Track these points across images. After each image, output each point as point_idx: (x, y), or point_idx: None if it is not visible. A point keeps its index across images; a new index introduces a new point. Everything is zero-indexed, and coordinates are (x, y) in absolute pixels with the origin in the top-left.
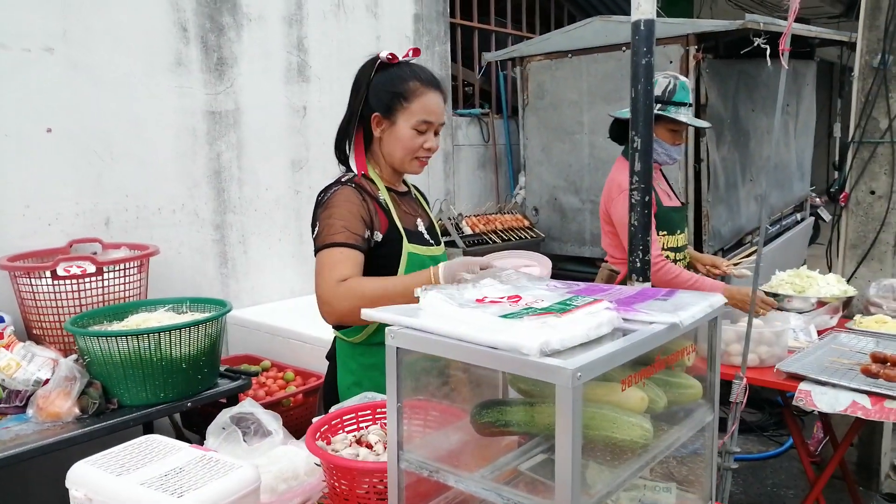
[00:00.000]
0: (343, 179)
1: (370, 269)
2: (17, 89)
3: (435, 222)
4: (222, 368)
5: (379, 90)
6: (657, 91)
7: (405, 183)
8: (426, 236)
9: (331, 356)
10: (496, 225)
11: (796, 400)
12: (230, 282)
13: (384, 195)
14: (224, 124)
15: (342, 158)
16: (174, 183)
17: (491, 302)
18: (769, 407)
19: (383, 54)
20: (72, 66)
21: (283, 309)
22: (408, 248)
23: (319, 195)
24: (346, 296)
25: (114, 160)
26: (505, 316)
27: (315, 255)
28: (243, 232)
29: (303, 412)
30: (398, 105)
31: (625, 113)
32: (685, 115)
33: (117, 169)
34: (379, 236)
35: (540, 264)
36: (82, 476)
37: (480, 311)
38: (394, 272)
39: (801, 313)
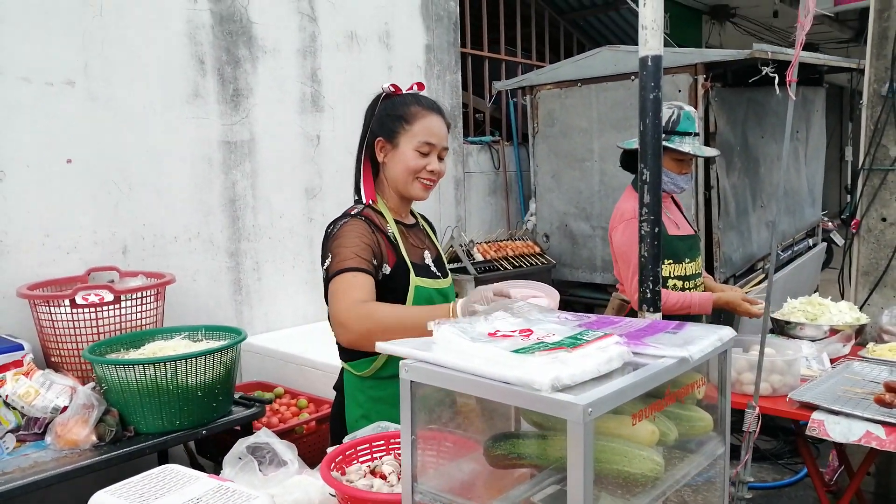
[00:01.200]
0: (352, 213)
1: (379, 301)
2: (39, 121)
3: (442, 253)
4: (236, 395)
5: (382, 117)
6: None
7: (413, 214)
8: (433, 269)
9: (338, 387)
10: (507, 251)
11: (809, 430)
12: (244, 308)
13: (392, 228)
14: (239, 154)
15: (357, 189)
16: (190, 211)
17: (503, 336)
18: (783, 434)
19: (385, 86)
20: (92, 99)
21: (296, 335)
22: (415, 281)
23: (329, 227)
24: (363, 318)
25: (131, 189)
26: (517, 350)
27: (327, 282)
28: (257, 259)
29: (316, 439)
30: (400, 128)
31: (631, 143)
32: (689, 145)
33: (134, 198)
34: (387, 269)
35: (547, 295)
36: None
37: (492, 345)
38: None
39: (813, 341)
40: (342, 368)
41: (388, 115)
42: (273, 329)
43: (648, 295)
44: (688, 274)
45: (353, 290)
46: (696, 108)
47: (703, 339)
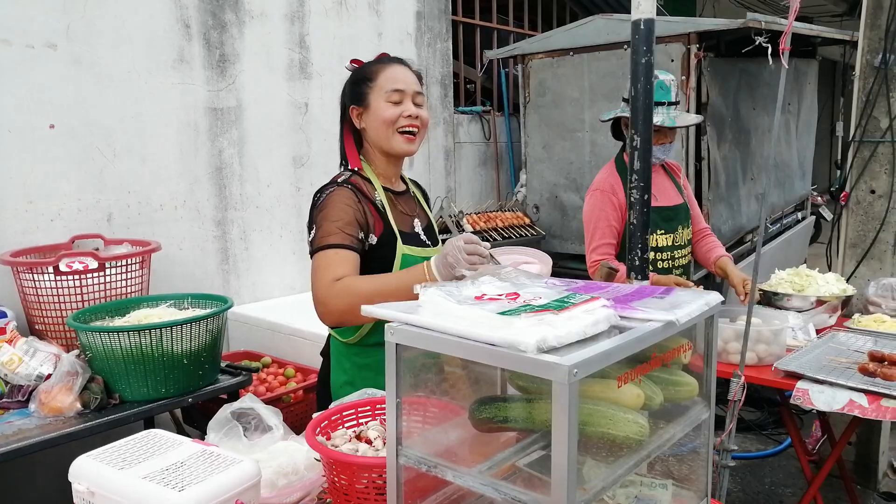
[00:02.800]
0: (339, 180)
1: (365, 271)
2: (20, 85)
3: (434, 221)
4: (223, 364)
5: (348, 88)
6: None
7: (404, 180)
8: (422, 237)
9: (325, 353)
10: (497, 223)
11: (794, 398)
12: (231, 278)
13: (380, 195)
14: (226, 121)
15: (343, 159)
16: (176, 179)
17: (489, 299)
18: (768, 405)
19: (347, 65)
20: (74, 63)
21: (284, 305)
22: (402, 249)
23: (315, 195)
24: (341, 294)
25: (116, 156)
26: (503, 313)
27: (311, 257)
28: (244, 228)
29: (303, 408)
30: (366, 88)
31: (610, 114)
32: (660, 115)
33: (119, 165)
34: (374, 239)
35: (540, 261)
36: (85, 470)
37: (479, 308)
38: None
39: (799, 312)
40: (329, 334)
41: (353, 83)
42: (260, 299)
43: (636, 262)
44: (660, 245)
45: (333, 267)
46: (687, 78)
47: (690, 304)
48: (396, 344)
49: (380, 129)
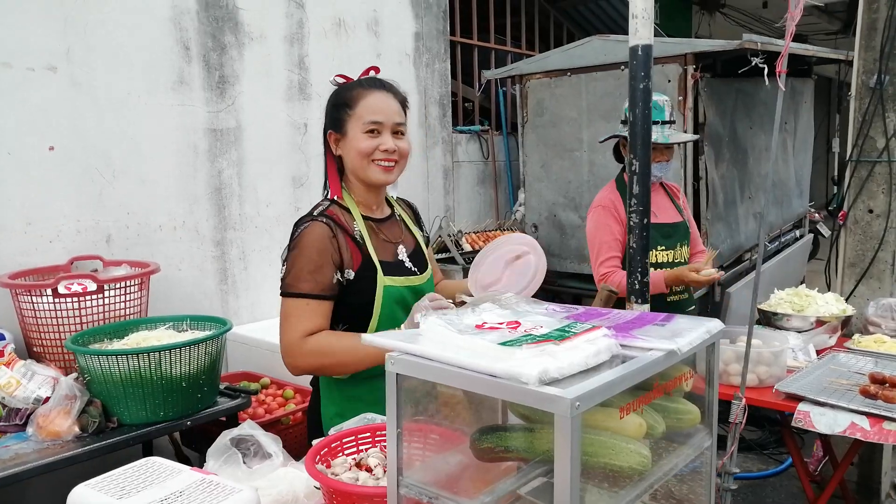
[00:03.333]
0: (315, 213)
1: (344, 305)
2: (20, 107)
3: (422, 243)
4: (222, 386)
5: (329, 109)
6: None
7: (389, 202)
8: (407, 264)
9: (315, 383)
10: None
11: (795, 421)
12: (230, 298)
13: (359, 224)
14: (225, 142)
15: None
16: (175, 200)
17: (490, 328)
18: (769, 425)
19: (333, 79)
20: (74, 85)
21: None
22: (383, 281)
23: (293, 229)
24: (312, 353)
25: (115, 177)
26: (504, 343)
27: (281, 296)
28: (243, 248)
29: (302, 430)
30: (344, 115)
31: (607, 135)
32: (655, 133)
33: (118, 186)
34: (351, 273)
35: (532, 250)
36: (83, 500)
37: (480, 337)
38: (370, 306)
39: (799, 332)
40: None
41: (333, 106)
42: (259, 319)
43: (636, 286)
44: (659, 261)
45: (303, 320)
46: (684, 98)
47: (692, 332)
48: (397, 374)
49: (355, 159)
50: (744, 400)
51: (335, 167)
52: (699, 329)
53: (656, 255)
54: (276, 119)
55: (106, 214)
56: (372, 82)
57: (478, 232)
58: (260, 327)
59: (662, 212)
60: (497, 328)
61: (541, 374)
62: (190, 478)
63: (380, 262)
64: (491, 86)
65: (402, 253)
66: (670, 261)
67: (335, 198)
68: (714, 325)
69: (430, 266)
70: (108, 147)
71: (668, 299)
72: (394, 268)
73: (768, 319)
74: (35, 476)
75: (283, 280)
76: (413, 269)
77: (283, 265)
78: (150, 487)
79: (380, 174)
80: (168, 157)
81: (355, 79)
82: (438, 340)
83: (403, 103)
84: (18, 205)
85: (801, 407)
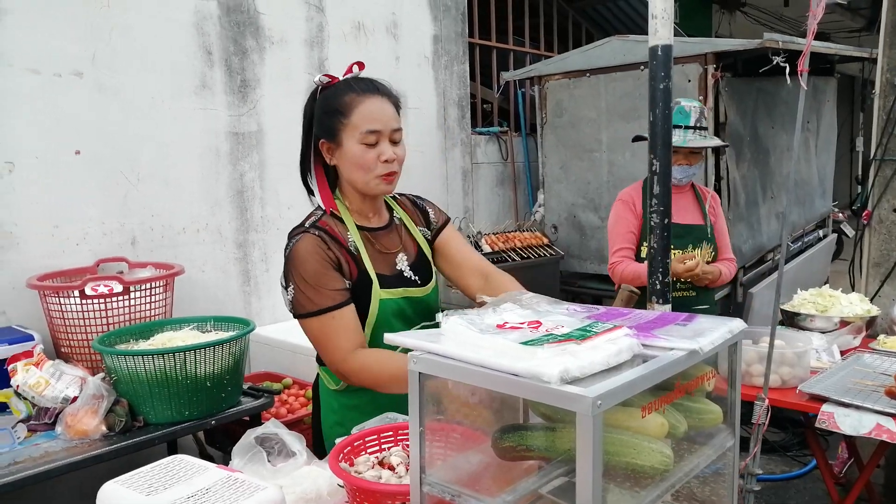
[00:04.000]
0: (307, 224)
1: None
2: (47, 113)
3: (427, 251)
4: (245, 386)
5: (319, 116)
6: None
7: (389, 205)
8: (406, 274)
9: (315, 391)
10: (515, 243)
11: (819, 422)
12: (252, 299)
13: (354, 236)
14: (247, 145)
15: (309, 191)
16: (198, 203)
17: (511, 328)
18: (792, 426)
19: (317, 78)
20: (100, 90)
21: None
22: (378, 294)
23: (287, 240)
24: (362, 372)
25: (140, 181)
26: (525, 343)
27: (298, 318)
28: (265, 250)
29: None
30: (338, 123)
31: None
32: (677, 136)
33: (143, 189)
34: (349, 284)
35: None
36: (112, 496)
37: (501, 337)
38: (364, 318)
39: (823, 333)
40: (317, 374)
41: (324, 113)
42: (281, 320)
43: (657, 286)
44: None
45: (338, 336)
46: (705, 98)
47: (713, 332)
48: (419, 372)
49: (354, 172)
50: (767, 401)
51: (325, 177)
52: (721, 329)
53: (672, 255)
54: (297, 122)
55: (131, 217)
56: (365, 86)
57: (497, 233)
58: (282, 328)
59: (681, 213)
60: (518, 328)
61: (562, 373)
62: (216, 475)
63: (377, 274)
64: (510, 87)
65: (403, 262)
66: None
67: (329, 211)
68: (736, 324)
69: (433, 276)
70: (133, 151)
71: (673, 294)
72: (392, 280)
73: (791, 320)
74: (64, 474)
75: (293, 302)
76: (414, 279)
77: (289, 286)
78: (177, 484)
79: (381, 185)
80: (191, 161)
81: (341, 77)
82: (460, 340)
83: (397, 105)
84: (45, 208)
85: (826, 408)
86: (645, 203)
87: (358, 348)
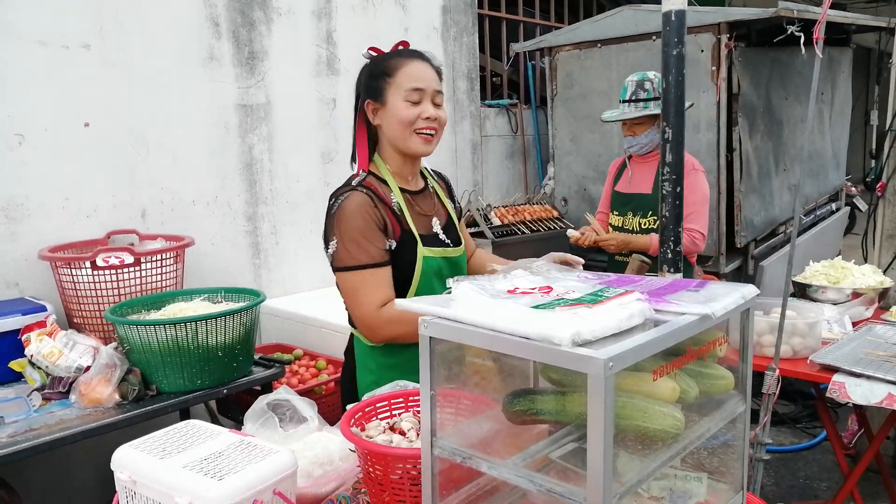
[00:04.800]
0: (354, 182)
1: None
2: (55, 85)
3: (455, 217)
4: (256, 357)
5: (366, 80)
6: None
7: (423, 175)
8: (441, 237)
9: (349, 352)
10: (525, 216)
11: (830, 392)
12: (262, 272)
13: (397, 196)
14: (255, 117)
15: (351, 158)
16: (207, 175)
17: (522, 293)
18: (802, 399)
19: (365, 52)
20: (107, 63)
21: (315, 299)
22: (423, 252)
23: (331, 200)
24: (393, 322)
25: (149, 153)
26: (537, 307)
27: (336, 271)
28: (275, 223)
29: (335, 399)
30: (383, 83)
31: (611, 115)
32: (615, 113)
33: (152, 162)
34: (392, 244)
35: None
36: (127, 459)
37: (512, 301)
38: (409, 277)
39: (835, 304)
40: (351, 334)
41: (370, 76)
42: (291, 293)
43: (669, 255)
44: (621, 226)
45: (373, 290)
46: (718, 68)
47: (726, 297)
48: (430, 337)
49: (396, 129)
50: (777, 371)
51: (366, 138)
52: (734, 294)
53: (621, 220)
54: (305, 94)
55: (141, 190)
56: (409, 52)
57: (507, 206)
58: (292, 300)
59: (635, 182)
60: (529, 293)
61: (574, 336)
62: (229, 439)
63: (418, 234)
64: (519, 59)
65: (437, 225)
66: (619, 226)
67: (370, 171)
68: (749, 290)
69: (462, 239)
70: (142, 123)
71: (616, 258)
72: (430, 240)
73: (803, 292)
74: (78, 441)
75: (335, 255)
76: (447, 241)
77: (331, 241)
78: (190, 448)
79: (420, 145)
80: (200, 133)
81: (387, 51)
82: (471, 304)
83: (439, 73)
84: (56, 181)
85: (837, 378)
86: (617, 176)
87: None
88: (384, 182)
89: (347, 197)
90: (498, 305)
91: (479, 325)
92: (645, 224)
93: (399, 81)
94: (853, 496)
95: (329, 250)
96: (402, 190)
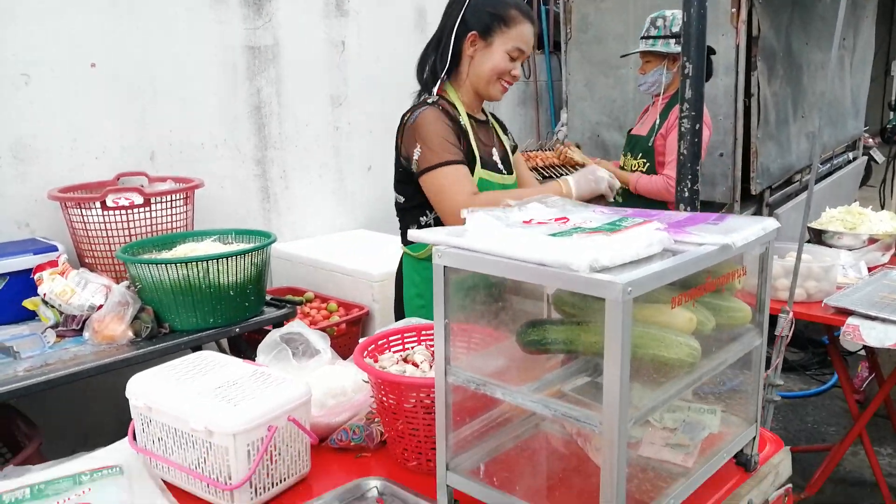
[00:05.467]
0: (429, 101)
1: None
2: (61, 25)
3: (509, 153)
4: (268, 298)
5: (479, 10)
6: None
7: (483, 111)
8: (499, 165)
9: (398, 272)
10: (537, 162)
11: (844, 334)
12: (272, 216)
13: (464, 120)
14: (263, 59)
15: (426, 78)
16: (216, 118)
17: (538, 223)
18: (813, 346)
19: None
20: (114, 2)
21: (325, 243)
22: (479, 173)
23: (405, 116)
24: (489, 205)
25: (156, 95)
26: (554, 234)
27: (423, 174)
28: (284, 167)
29: (346, 341)
30: (498, 28)
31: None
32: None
33: (160, 104)
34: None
35: None
36: (141, 386)
37: (528, 230)
38: None
39: (851, 250)
40: (403, 253)
41: (487, 12)
42: (301, 237)
43: (686, 194)
44: (622, 165)
45: (463, 181)
46: (738, 10)
47: (747, 228)
48: (444, 266)
49: (487, 73)
50: (791, 314)
51: (447, 60)
52: (754, 226)
53: (625, 161)
54: (314, 36)
55: (149, 132)
56: (528, 13)
57: (520, 152)
58: (303, 245)
59: (642, 125)
60: (545, 223)
61: (591, 262)
62: (242, 369)
63: (479, 156)
64: (533, 3)
65: (495, 154)
66: (621, 166)
67: (441, 95)
68: (769, 223)
69: (515, 171)
70: (149, 65)
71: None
72: (489, 164)
73: (819, 238)
74: (93, 376)
75: (420, 159)
76: (503, 170)
77: (414, 148)
78: (204, 376)
79: (499, 93)
80: (208, 75)
81: None
82: (486, 234)
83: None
84: (63, 121)
85: (851, 321)
86: (681, 110)
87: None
88: (453, 105)
89: (424, 110)
90: (514, 234)
91: (494, 253)
92: (636, 166)
93: (512, 35)
94: (861, 439)
95: (414, 157)
96: (469, 116)
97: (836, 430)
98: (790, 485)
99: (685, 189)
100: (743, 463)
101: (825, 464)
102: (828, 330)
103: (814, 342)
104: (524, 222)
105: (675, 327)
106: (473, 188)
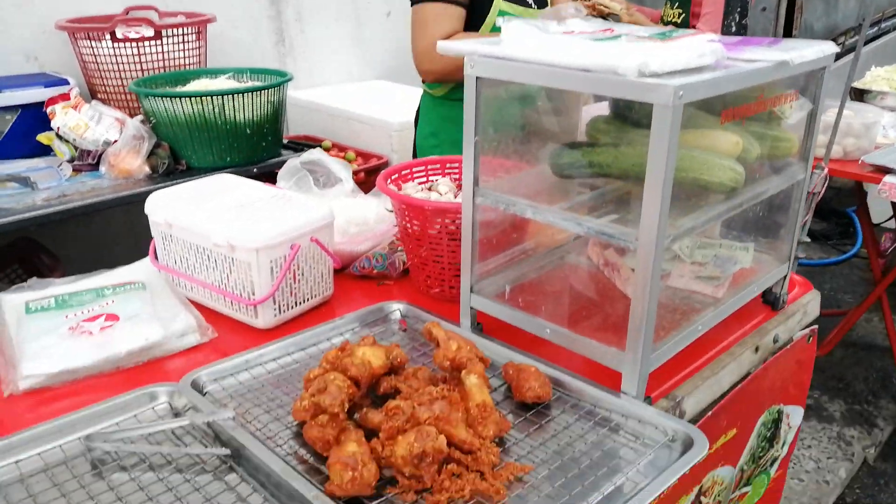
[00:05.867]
0: None
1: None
2: None
3: None
4: (285, 141)
5: None
6: None
7: None
8: (529, 1)
9: (416, 114)
10: None
11: (880, 191)
12: (288, 61)
13: None
14: None
15: None
16: None
17: (581, 32)
18: (836, 217)
19: None
20: None
21: (342, 92)
22: (500, 3)
23: None
24: (445, 52)
25: None
26: (598, 40)
27: (413, 4)
28: (299, 10)
29: (365, 190)
30: None
31: None
32: None
33: None
34: None
35: None
36: (162, 203)
37: (569, 38)
38: (479, 26)
39: (894, 111)
40: (422, 94)
41: None
42: (318, 85)
43: (733, 29)
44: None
45: (439, 22)
46: None
47: (804, 49)
48: (476, 77)
49: None
50: (826, 170)
51: None
52: (813, 47)
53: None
54: None
55: None
56: None
57: None
58: (320, 92)
59: None
60: (588, 32)
61: (641, 66)
62: (264, 191)
63: None
64: None
65: None
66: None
67: None
68: (828, 46)
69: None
70: None
71: None
72: None
73: (861, 98)
74: (110, 208)
75: None
76: (532, 4)
77: None
78: (225, 196)
79: None
80: None
81: None
82: (524, 42)
83: None
84: None
85: (888, 179)
86: None
87: None
88: None
89: None
90: (555, 40)
91: (532, 60)
92: (672, 16)
93: None
94: (881, 302)
95: None
96: None
97: (852, 298)
98: (816, 325)
99: (732, 24)
100: (770, 301)
101: (839, 327)
102: (858, 193)
103: (837, 213)
104: (565, 33)
105: (720, 150)
106: (454, 30)
